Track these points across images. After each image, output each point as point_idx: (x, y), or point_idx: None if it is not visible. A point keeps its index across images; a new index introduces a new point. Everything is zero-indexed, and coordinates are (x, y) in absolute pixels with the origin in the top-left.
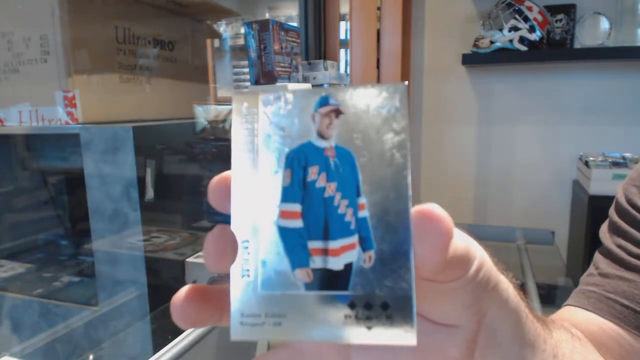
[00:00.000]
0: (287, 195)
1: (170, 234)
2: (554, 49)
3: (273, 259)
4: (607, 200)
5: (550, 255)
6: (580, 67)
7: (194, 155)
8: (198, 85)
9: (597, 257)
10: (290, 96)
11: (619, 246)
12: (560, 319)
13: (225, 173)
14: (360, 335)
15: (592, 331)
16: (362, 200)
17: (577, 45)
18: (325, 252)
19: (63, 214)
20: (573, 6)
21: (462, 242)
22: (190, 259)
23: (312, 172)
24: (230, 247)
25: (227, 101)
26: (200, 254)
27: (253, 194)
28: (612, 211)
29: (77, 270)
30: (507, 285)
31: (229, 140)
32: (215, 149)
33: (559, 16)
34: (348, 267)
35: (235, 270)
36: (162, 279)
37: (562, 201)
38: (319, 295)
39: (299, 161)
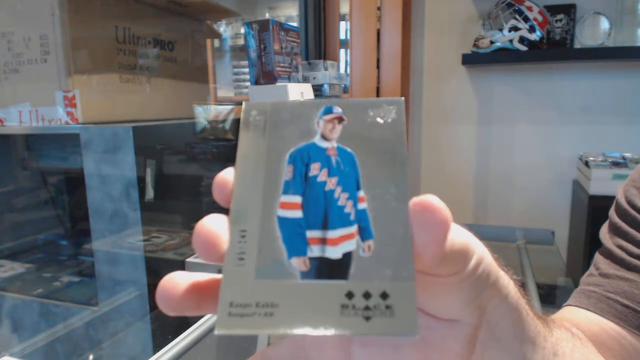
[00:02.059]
0: (289, 187)
1: (170, 234)
2: (554, 49)
3: (270, 247)
4: (607, 200)
5: (550, 255)
6: (580, 67)
7: (194, 155)
8: (198, 85)
9: (598, 257)
10: (297, 105)
11: (619, 247)
12: (561, 318)
13: (230, 169)
14: (357, 326)
15: (593, 331)
16: (362, 193)
17: (577, 45)
18: (323, 241)
19: (63, 214)
20: (573, 6)
21: (460, 236)
22: (190, 259)
23: (314, 168)
24: (221, 235)
25: (227, 101)
26: None
27: (254, 187)
28: (612, 212)
29: (77, 270)
30: (507, 282)
31: (228, 140)
32: (215, 149)
33: (559, 16)
34: (347, 257)
35: (229, 258)
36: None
37: (562, 201)
38: (315, 284)
39: (301, 158)
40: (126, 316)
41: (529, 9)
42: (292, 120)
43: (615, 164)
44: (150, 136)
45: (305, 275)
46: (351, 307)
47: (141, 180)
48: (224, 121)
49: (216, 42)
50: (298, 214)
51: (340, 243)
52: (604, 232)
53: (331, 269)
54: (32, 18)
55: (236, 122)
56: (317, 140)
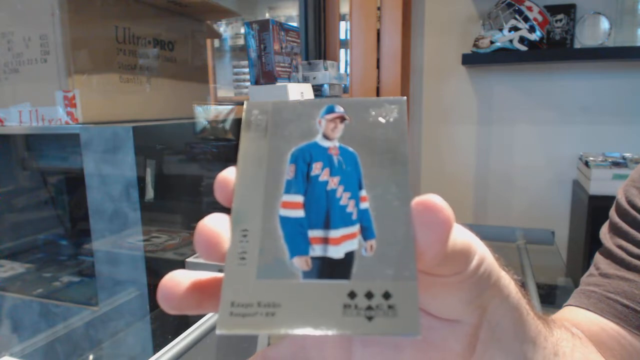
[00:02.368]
0: (290, 187)
1: (170, 234)
2: (554, 49)
3: (272, 247)
4: (607, 200)
5: (550, 255)
6: (580, 67)
7: (194, 155)
8: (198, 85)
9: (598, 257)
10: (298, 104)
11: (620, 247)
12: (561, 318)
13: (231, 168)
14: (360, 326)
15: (593, 331)
16: (364, 193)
17: (577, 45)
18: (325, 240)
19: (63, 214)
20: (573, 6)
21: (462, 236)
22: (190, 259)
23: (316, 168)
24: (222, 235)
25: (227, 101)
26: None
27: (255, 186)
28: (612, 212)
29: (77, 270)
30: (508, 282)
31: (228, 140)
32: (215, 149)
33: (559, 16)
34: (349, 256)
35: (230, 258)
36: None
37: (562, 201)
38: (317, 283)
39: (303, 158)
40: (126, 316)
41: (529, 9)
42: (293, 120)
43: (615, 164)
44: (150, 136)
45: (307, 274)
46: (353, 307)
47: (141, 180)
48: (224, 121)
49: (216, 42)
50: (300, 213)
51: (342, 242)
52: (604, 232)
53: (333, 269)
54: (32, 18)
55: (236, 122)
56: (318, 139)
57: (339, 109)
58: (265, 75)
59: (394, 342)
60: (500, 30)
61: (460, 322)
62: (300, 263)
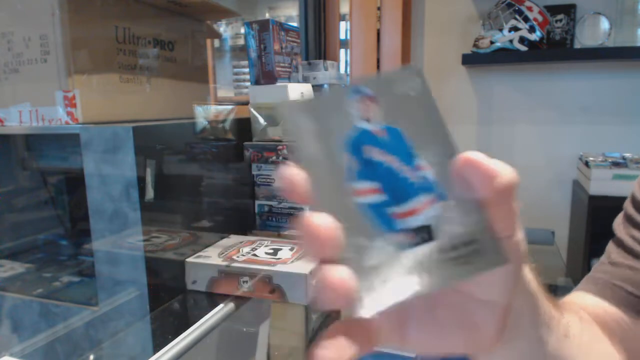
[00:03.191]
0: (356, 175)
1: (170, 234)
2: (554, 49)
3: (364, 233)
4: (607, 200)
5: (550, 255)
6: (580, 67)
7: (194, 155)
8: (198, 85)
9: (610, 246)
10: (324, 97)
11: (632, 237)
12: (570, 302)
13: (294, 166)
14: (459, 274)
15: (597, 313)
16: (420, 161)
17: (577, 45)
18: (405, 214)
19: (63, 214)
20: (573, 6)
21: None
22: (190, 259)
23: (370, 151)
24: (332, 234)
25: (227, 101)
26: (200, 253)
27: (327, 184)
28: (627, 204)
29: (77, 270)
30: (527, 268)
31: (229, 140)
32: (215, 149)
33: (559, 16)
34: (430, 221)
35: (342, 255)
36: (162, 279)
37: (562, 201)
38: (412, 252)
39: (355, 145)
40: (126, 316)
41: (529, 9)
42: (332, 113)
43: (615, 164)
44: (150, 136)
45: (401, 247)
46: (448, 260)
47: (141, 180)
48: (224, 121)
49: (216, 42)
50: (374, 196)
51: (420, 211)
52: (617, 223)
53: (421, 235)
54: (32, 18)
55: (236, 122)
56: (361, 124)
57: (366, 91)
58: (265, 75)
59: (443, 323)
60: (500, 30)
61: (498, 305)
62: (393, 239)
